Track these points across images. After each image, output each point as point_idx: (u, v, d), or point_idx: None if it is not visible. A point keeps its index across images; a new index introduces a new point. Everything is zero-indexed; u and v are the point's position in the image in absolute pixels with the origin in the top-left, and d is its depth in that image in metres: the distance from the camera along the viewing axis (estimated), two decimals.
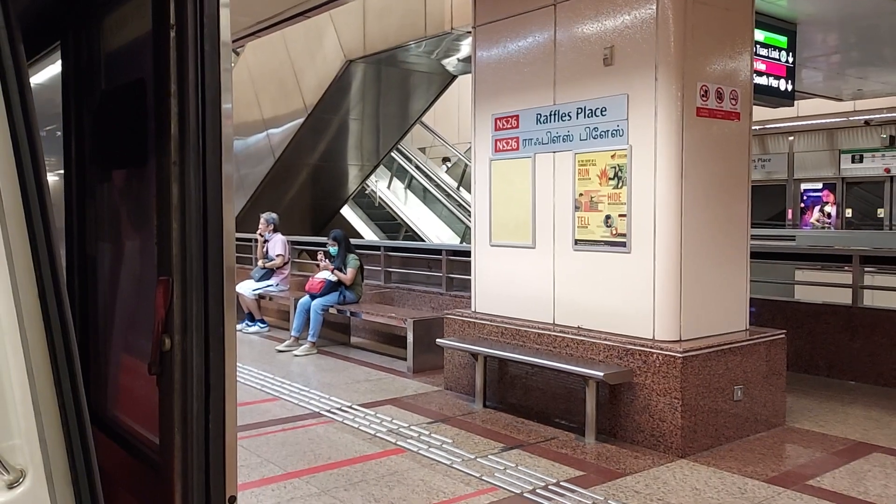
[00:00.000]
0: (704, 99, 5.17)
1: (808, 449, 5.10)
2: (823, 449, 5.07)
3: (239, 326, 9.84)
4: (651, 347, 5.06)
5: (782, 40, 7.91)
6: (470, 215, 7.09)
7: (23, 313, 1.47)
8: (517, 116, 6.07)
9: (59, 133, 2.57)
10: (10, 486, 1.40)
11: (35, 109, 1.53)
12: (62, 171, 2.54)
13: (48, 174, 1.57)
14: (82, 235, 2.47)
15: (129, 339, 2.29)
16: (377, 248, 9.77)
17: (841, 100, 12.37)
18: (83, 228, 2.47)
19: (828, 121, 18.34)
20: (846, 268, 7.75)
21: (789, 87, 8.13)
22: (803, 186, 20.88)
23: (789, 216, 20.75)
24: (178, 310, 1.78)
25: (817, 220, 18.92)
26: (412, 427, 5.50)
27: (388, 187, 17.34)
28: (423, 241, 15.32)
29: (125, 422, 2.24)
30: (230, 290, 1.78)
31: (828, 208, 19.47)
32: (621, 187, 5.27)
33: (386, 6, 10.26)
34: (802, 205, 20.83)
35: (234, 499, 1.78)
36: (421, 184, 17.24)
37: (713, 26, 5.26)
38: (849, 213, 19.98)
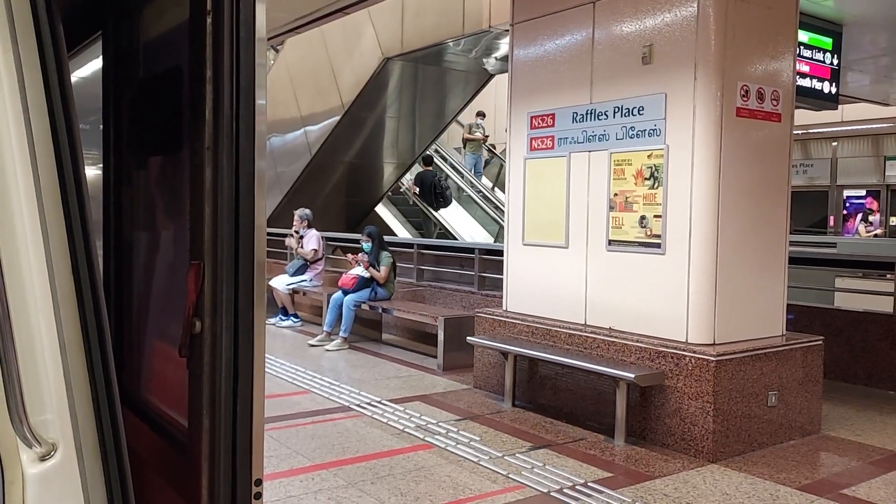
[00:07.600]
0: (745, 99, 5.09)
1: (843, 457, 4.99)
2: (860, 458, 4.96)
3: (272, 320, 9.94)
4: (684, 350, 5.00)
5: (827, 42, 7.75)
6: (504, 215, 7.06)
7: (57, 293, 1.50)
8: (553, 115, 6.04)
9: (100, 126, 2.61)
10: (42, 459, 1.44)
11: (74, 99, 1.56)
12: (101, 157, 2.59)
13: (88, 164, 1.60)
14: (119, 220, 2.52)
15: (161, 322, 2.33)
16: (410, 245, 9.80)
17: (888, 105, 12.07)
18: (120, 214, 2.51)
19: (873, 126, 17.94)
20: (888, 276, 7.57)
21: (833, 90, 7.96)
22: (846, 193, 20.43)
23: (831, 223, 20.31)
24: (208, 294, 1.80)
25: (864, 232, 18.39)
26: (440, 424, 5.50)
27: None
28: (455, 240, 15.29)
29: (155, 404, 2.28)
30: (260, 278, 1.80)
31: (871, 217, 18.98)
32: (657, 188, 5.22)
33: (424, 4, 10.28)
34: (845, 212, 20.37)
35: (259, 481, 1.79)
36: (456, 183, 17.21)
37: (755, 25, 5.18)
38: (893, 220, 19.49)
